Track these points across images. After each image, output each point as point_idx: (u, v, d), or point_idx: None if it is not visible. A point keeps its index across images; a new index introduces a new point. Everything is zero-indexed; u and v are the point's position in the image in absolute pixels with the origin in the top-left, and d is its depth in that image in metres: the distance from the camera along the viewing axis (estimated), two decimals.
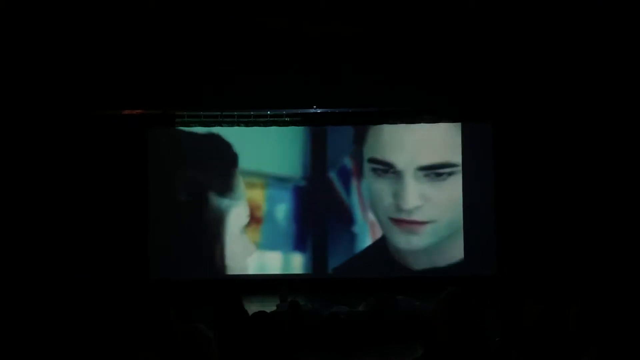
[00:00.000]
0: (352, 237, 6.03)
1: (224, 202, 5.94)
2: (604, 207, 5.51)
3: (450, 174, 5.92)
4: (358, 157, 5.98)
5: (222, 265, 5.90)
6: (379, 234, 5.94)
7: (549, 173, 5.71)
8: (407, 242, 5.90)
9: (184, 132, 5.98)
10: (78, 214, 5.66)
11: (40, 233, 5.55)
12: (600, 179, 5.55)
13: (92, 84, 5.39)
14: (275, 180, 5.97)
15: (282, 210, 5.97)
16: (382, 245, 5.96)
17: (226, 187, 5.96)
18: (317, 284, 5.73)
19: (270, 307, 4.42)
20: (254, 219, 5.94)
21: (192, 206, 5.91)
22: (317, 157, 5.97)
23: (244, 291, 5.09)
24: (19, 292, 5.07)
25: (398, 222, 5.89)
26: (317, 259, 5.95)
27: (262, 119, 5.88)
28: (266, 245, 5.99)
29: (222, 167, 5.97)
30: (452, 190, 5.89)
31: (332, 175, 5.99)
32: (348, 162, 5.98)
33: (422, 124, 5.94)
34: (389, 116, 5.92)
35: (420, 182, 5.87)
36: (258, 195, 5.96)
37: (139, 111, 5.67)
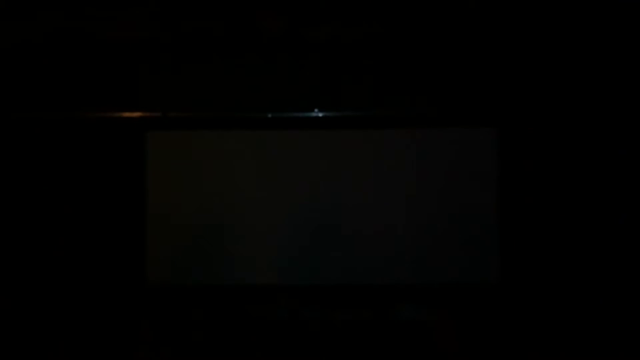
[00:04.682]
0: (351, 242, 5.99)
1: (225, 206, 5.93)
2: (614, 215, 5.49)
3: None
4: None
5: (222, 271, 5.87)
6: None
7: (554, 180, 5.69)
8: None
9: (182, 134, 5.96)
10: (75, 218, 5.66)
11: (37, 236, 5.54)
12: (607, 183, 5.53)
13: (90, 86, 5.43)
14: None
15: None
16: (382, 249, 5.91)
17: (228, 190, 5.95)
18: (316, 290, 5.71)
19: (269, 314, 4.39)
20: None
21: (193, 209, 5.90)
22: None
23: (244, 298, 5.06)
24: (16, 296, 5.08)
25: None
26: (316, 265, 5.91)
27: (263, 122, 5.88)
28: (267, 249, 5.96)
29: (222, 168, 5.95)
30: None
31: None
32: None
33: (424, 128, 5.93)
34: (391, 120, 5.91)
35: None
36: None
37: (137, 114, 5.68)
